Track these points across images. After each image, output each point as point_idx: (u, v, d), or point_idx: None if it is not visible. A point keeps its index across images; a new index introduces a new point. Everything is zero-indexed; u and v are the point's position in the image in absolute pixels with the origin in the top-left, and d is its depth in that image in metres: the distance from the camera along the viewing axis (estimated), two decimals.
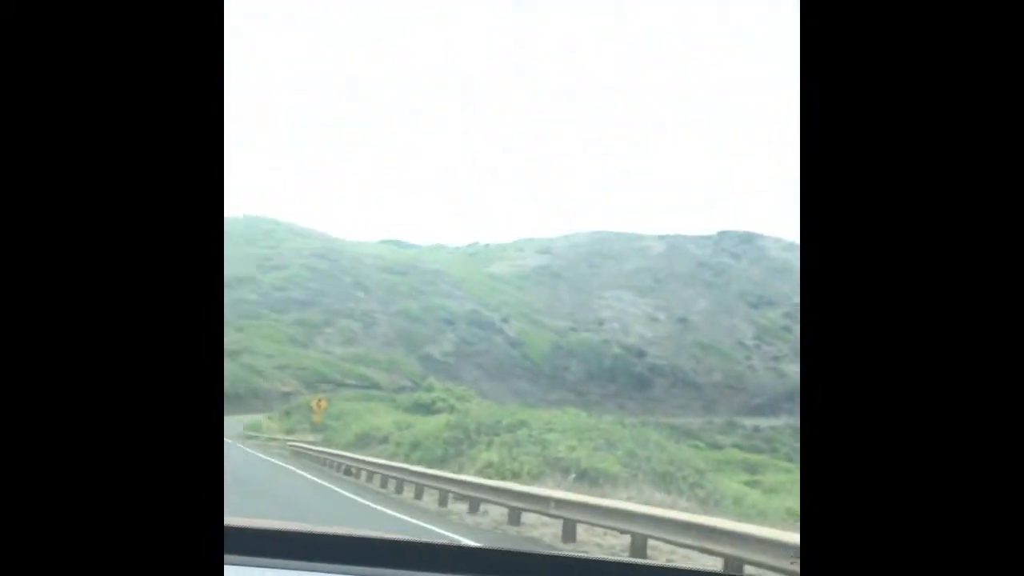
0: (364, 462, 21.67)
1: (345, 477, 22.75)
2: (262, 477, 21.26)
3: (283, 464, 27.31)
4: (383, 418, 36.38)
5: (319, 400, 38.85)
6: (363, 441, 32.12)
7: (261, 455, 33.54)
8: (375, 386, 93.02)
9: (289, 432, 53.25)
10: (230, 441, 48.54)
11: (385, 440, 29.88)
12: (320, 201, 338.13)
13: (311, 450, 29.96)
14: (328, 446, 33.52)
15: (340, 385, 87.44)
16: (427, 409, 45.33)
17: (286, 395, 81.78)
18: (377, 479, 20.13)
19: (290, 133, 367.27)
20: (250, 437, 52.87)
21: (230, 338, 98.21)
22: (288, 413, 61.85)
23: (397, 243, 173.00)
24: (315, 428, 40.03)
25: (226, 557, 1.24)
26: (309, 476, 22.12)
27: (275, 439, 50.32)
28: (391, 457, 25.69)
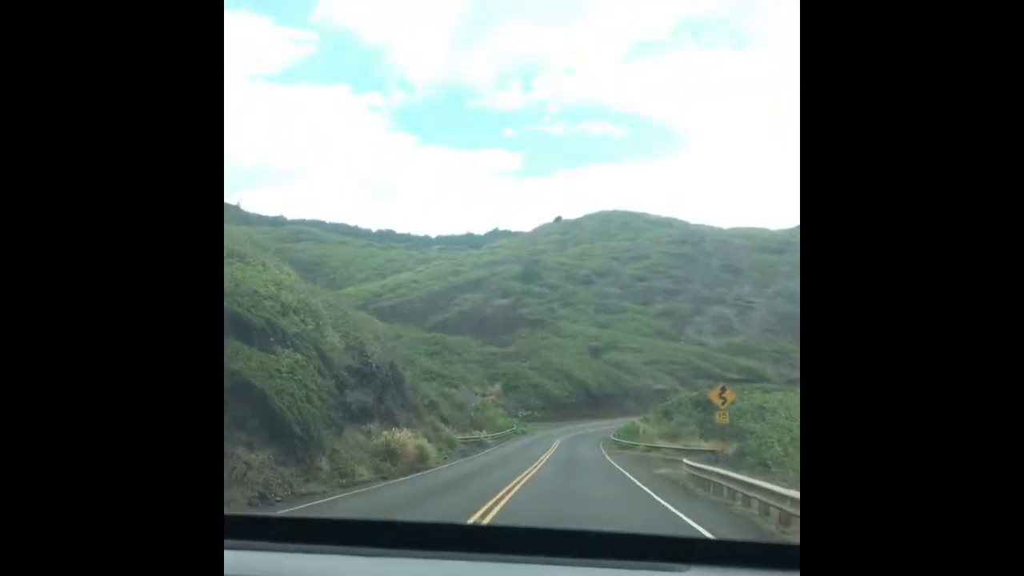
0: None
1: None
2: None
3: (680, 515, 12.07)
4: None
5: (721, 390, 23.29)
6: None
7: (637, 481, 18.95)
8: (761, 378, 76.27)
9: (673, 437, 39.49)
10: (592, 450, 37.56)
11: None
12: (672, 191, 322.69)
13: (731, 479, 14.30)
14: (754, 467, 18.23)
15: (720, 379, 71.61)
16: None
17: (660, 393, 68.40)
18: None
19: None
20: (624, 447, 39.57)
21: (592, 333, 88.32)
22: (667, 414, 47.82)
23: (758, 230, 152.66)
24: (718, 432, 24.79)
25: (226, 542, 1.29)
26: None
27: (656, 447, 36.69)
28: None
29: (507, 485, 16.23)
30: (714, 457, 23.37)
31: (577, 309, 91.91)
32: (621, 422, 52.38)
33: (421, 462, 22.19)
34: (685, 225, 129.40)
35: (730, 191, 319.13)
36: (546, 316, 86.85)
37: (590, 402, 67.29)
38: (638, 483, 18.74)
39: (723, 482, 14.87)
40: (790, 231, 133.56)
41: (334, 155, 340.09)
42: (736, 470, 17.96)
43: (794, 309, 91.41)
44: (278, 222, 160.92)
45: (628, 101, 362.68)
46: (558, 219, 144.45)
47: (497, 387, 61.54)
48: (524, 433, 50.74)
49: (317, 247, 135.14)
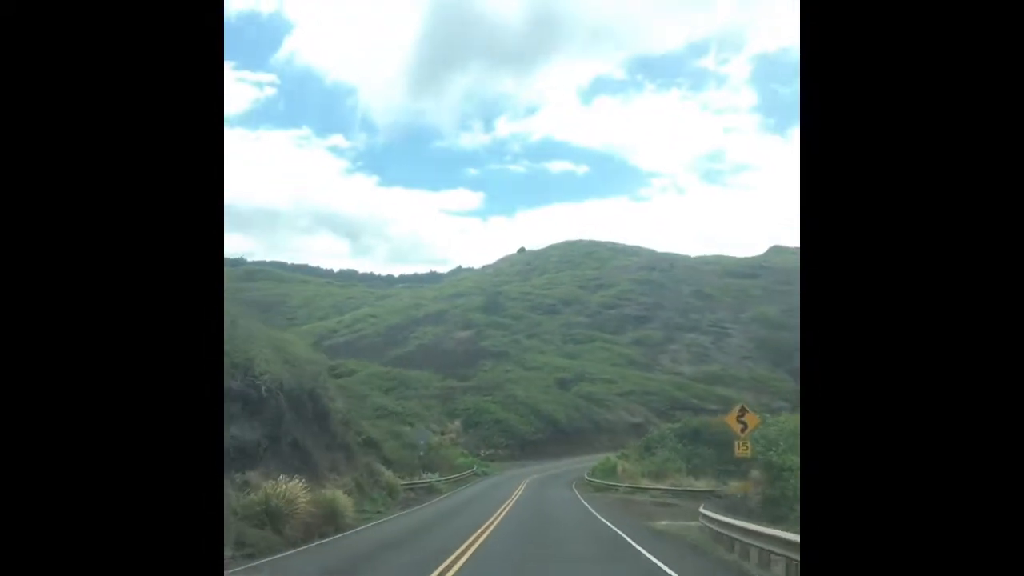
0: None
1: None
2: None
3: None
4: None
5: (740, 413, 16.96)
6: None
7: (639, 547, 12.41)
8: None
9: (658, 476, 33.09)
10: (565, 494, 31.17)
11: None
12: (637, 224, 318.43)
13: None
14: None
15: (698, 410, 65.49)
16: None
17: (636, 426, 62.23)
18: None
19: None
20: (602, 488, 32.97)
21: (560, 364, 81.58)
22: (648, 448, 41.35)
23: (725, 258, 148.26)
24: (732, 469, 18.49)
25: None
26: None
27: (641, 488, 30.33)
28: None
29: (437, 568, 9.68)
30: (727, 502, 17.31)
31: (543, 340, 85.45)
32: (595, 459, 45.77)
33: (329, 523, 15.46)
34: (652, 253, 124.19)
35: (695, 221, 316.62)
36: (511, 348, 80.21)
37: (560, 438, 60.34)
38: (644, 551, 12.23)
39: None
40: (762, 256, 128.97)
41: (296, 197, 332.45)
42: (766, 522, 11.77)
43: (771, 335, 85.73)
44: (238, 263, 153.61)
45: (589, 139, 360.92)
46: (522, 250, 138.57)
47: (457, 424, 54.64)
48: (486, 474, 43.81)
49: (277, 286, 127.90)
